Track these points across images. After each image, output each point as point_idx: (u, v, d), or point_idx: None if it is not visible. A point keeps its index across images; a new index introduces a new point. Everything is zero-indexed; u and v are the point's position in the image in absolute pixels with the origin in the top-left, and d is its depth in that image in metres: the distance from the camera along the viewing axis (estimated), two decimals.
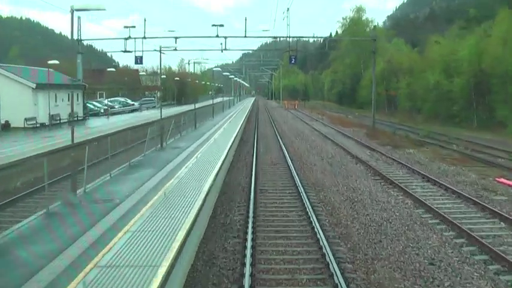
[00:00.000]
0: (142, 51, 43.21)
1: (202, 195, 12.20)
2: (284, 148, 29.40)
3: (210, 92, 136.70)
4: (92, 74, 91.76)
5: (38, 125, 35.83)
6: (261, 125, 49.48)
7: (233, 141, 25.62)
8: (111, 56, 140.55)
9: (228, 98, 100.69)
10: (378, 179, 20.40)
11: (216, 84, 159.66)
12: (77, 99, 44.39)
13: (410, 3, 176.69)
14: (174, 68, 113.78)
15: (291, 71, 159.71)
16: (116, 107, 58.58)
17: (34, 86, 36.24)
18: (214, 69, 75.84)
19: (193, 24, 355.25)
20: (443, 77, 52.59)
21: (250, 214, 14.08)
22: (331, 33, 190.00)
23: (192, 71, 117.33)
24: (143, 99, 78.68)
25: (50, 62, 35.47)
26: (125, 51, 44.51)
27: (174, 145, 24.91)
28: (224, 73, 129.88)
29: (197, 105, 64.05)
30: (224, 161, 18.31)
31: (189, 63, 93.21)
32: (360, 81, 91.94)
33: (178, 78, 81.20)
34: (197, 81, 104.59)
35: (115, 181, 15.00)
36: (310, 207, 14.79)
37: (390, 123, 50.84)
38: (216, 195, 15.61)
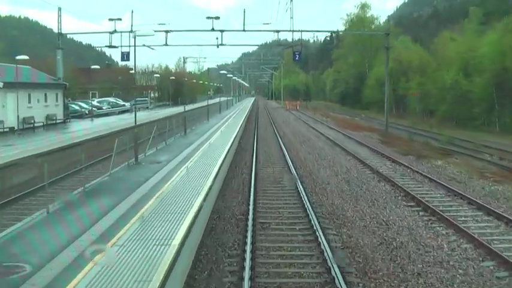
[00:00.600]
0: (129, 46, 38.66)
1: (169, 257, 7.57)
2: (289, 158, 24.80)
3: (209, 92, 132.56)
4: (83, 73, 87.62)
5: (6, 130, 31.21)
6: (261, 127, 44.89)
7: (227, 152, 21.00)
8: (110, 55, 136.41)
9: (226, 98, 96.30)
10: (413, 205, 15.74)
11: (215, 84, 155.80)
12: (56, 100, 39.78)
13: (410, 3, 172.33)
14: (172, 67, 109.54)
15: (291, 70, 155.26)
16: (104, 107, 53.93)
17: (1, 84, 31.58)
18: (211, 68, 71.62)
19: (192, 23, 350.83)
20: (462, 76, 48.04)
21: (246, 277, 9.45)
22: (331, 33, 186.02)
23: (191, 71, 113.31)
24: (136, 99, 74.03)
25: (18, 57, 30.76)
26: (110, 46, 40.05)
27: (153, 158, 20.26)
28: (221, 71, 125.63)
29: (192, 106, 59.76)
30: (212, 186, 13.65)
31: (184, 61, 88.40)
32: (365, 80, 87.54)
33: (174, 78, 76.54)
34: (194, 80, 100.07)
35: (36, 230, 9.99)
36: (331, 258, 10.13)
37: (403, 127, 46.17)
38: (194, 247, 10.82)
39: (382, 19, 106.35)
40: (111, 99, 62.20)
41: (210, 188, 13.19)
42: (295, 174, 20.25)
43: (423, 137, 37.22)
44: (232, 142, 25.32)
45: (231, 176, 20.43)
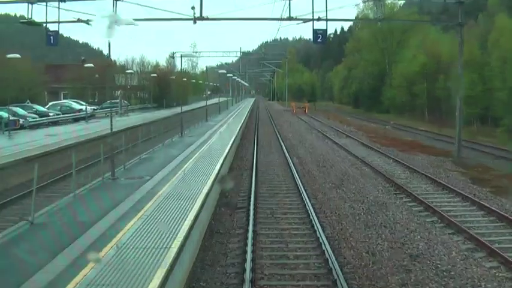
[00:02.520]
0: (59, 22, 24.77)
1: None
2: (320, 231, 11.05)
3: (205, 93, 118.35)
4: (51, 70, 73.74)
5: None
6: (263, 145, 30.78)
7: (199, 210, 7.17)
8: (110, 56, 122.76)
9: (226, 99, 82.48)
10: None
11: (213, 84, 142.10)
12: None
13: None
14: (163, 64, 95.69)
15: (294, 69, 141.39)
16: (51, 114, 39.89)
17: None
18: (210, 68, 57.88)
19: None
20: None
21: None
22: (342, 27, 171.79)
23: (184, 68, 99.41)
24: (109, 101, 60.19)
25: None
26: (29, 21, 26.00)
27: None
28: (217, 70, 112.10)
29: (171, 112, 45.84)
30: None
31: (173, 56, 74.51)
32: (385, 79, 73.54)
33: (155, 75, 62.50)
34: (185, 79, 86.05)
35: None
36: None
37: (481, 145, 31.63)
38: None
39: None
40: (69, 102, 48.25)
41: None
42: None
43: None
44: (211, 187, 11.66)
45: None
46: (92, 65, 53.03)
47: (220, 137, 26.17)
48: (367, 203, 15.19)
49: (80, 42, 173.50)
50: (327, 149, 28.54)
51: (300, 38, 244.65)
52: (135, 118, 40.63)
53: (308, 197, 15.38)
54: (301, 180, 18.15)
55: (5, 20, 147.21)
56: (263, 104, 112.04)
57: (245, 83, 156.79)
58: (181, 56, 61.57)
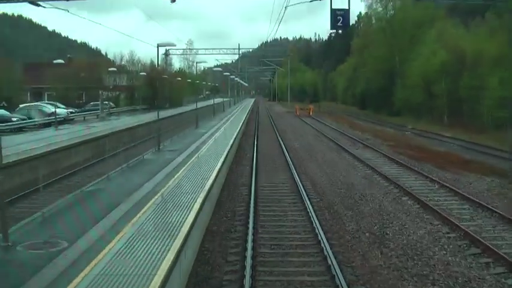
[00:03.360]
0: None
1: None
2: None
3: (203, 94, 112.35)
4: (34, 69, 67.60)
5: None
6: (264, 160, 24.57)
7: None
8: (108, 53, 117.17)
9: (220, 100, 76.28)
10: None
11: (211, 84, 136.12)
12: None
13: None
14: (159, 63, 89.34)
15: (296, 68, 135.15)
16: (15, 119, 33.68)
17: None
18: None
19: None
20: None
21: None
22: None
23: (181, 67, 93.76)
24: (92, 103, 54.24)
25: None
26: None
27: None
28: (215, 68, 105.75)
29: (164, 114, 39.76)
30: None
31: (166, 53, 68.34)
32: (396, 78, 67.34)
33: (144, 73, 56.28)
34: (179, 78, 79.88)
35: None
36: None
37: None
38: None
39: None
40: (42, 105, 42.00)
41: None
42: None
43: None
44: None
45: None
46: (61, 61, 46.32)
47: (209, 153, 20.01)
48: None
49: (79, 41, 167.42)
50: (346, 166, 22.33)
51: (300, 38, 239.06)
52: (113, 123, 34.43)
53: (339, 268, 9.15)
54: (322, 228, 11.91)
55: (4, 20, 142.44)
56: (263, 105, 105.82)
57: (244, 83, 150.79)
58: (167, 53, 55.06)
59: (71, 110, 45.73)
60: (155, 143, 21.71)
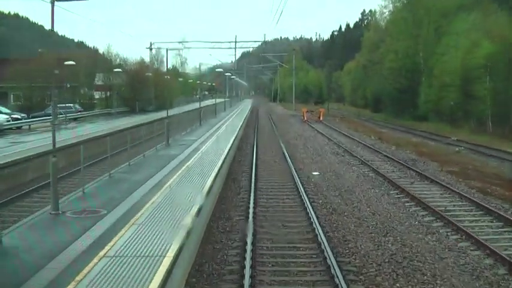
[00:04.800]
0: None
1: None
2: None
3: (198, 94, 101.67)
4: None
5: None
6: (269, 214, 14.23)
7: None
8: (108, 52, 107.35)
9: (221, 100, 66.06)
10: None
11: (209, 84, 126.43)
12: None
13: None
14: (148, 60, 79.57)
15: (299, 67, 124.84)
16: None
17: None
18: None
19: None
20: None
21: None
22: (348, 24, 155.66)
23: (174, 65, 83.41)
24: (63, 105, 43.81)
25: None
26: None
27: None
28: (217, 69, 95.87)
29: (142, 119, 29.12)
30: None
31: (150, 48, 57.99)
32: (419, 77, 57.01)
33: (119, 70, 45.84)
34: (167, 77, 69.48)
35: None
36: None
37: None
38: None
39: None
40: None
41: None
42: None
43: None
44: None
45: None
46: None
47: (173, 202, 9.95)
48: None
49: (76, 40, 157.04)
50: (416, 233, 11.95)
51: (301, 37, 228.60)
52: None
53: None
54: None
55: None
56: (264, 107, 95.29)
57: (243, 83, 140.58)
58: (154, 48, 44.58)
59: (16, 116, 35.41)
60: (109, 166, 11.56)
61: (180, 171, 15.11)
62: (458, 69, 44.26)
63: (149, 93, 55.74)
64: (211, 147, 21.37)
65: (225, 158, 18.06)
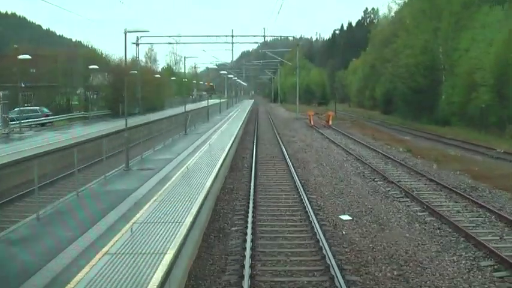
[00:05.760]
0: None
1: None
2: None
3: (193, 95, 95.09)
4: None
5: None
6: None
7: None
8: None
9: (216, 101, 59.46)
10: None
11: (207, 83, 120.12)
12: None
13: None
14: (140, 58, 72.85)
15: (301, 65, 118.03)
16: None
17: None
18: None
19: None
20: None
21: None
22: (350, 23, 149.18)
23: (168, 63, 77.04)
24: (18, 108, 37.05)
25: None
26: None
27: None
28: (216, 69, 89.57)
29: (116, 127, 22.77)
30: None
31: (137, 42, 51.19)
32: (439, 75, 50.22)
33: (94, 66, 38.92)
34: (158, 75, 62.78)
35: None
36: None
37: None
38: None
39: None
40: None
41: None
42: None
43: None
44: None
45: None
46: None
47: None
48: None
49: (73, 40, 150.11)
50: None
51: (301, 37, 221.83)
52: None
53: None
54: None
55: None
56: (264, 108, 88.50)
57: (243, 83, 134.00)
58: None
59: None
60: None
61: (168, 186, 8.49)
62: (492, 67, 37.46)
63: (134, 93, 48.89)
64: (185, 180, 14.53)
65: (221, 165, 11.39)
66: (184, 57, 43.64)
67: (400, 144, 30.70)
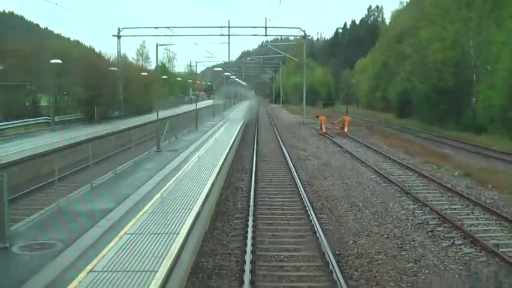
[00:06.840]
0: None
1: None
2: None
3: (190, 96, 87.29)
4: None
5: None
6: None
7: None
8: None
9: (210, 103, 51.76)
10: None
11: (206, 83, 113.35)
12: None
13: None
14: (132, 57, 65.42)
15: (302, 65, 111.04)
16: None
17: None
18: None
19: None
20: None
21: None
22: (353, 21, 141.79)
23: (162, 61, 69.86)
24: None
25: None
26: None
27: None
28: (216, 69, 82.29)
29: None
30: None
31: (118, 35, 43.78)
32: (470, 74, 42.56)
33: (57, 61, 31.29)
34: (145, 73, 55.21)
35: None
36: None
37: None
38: None
39: None
40: None
41: None
42: None
43: None
44: None
45: None
46: None
47: None
48: None
49: (71, 39, 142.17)
50: None
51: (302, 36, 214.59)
52: None
53: None
54: None
55: None
56: (264, 109, 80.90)
57: (242, 82, 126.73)
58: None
59: None
60: None
61: None
62: None
63: (114, 94, 41.36)
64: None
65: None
66: (174, 54, 35.81)
67: (444, 161, 23.13)
